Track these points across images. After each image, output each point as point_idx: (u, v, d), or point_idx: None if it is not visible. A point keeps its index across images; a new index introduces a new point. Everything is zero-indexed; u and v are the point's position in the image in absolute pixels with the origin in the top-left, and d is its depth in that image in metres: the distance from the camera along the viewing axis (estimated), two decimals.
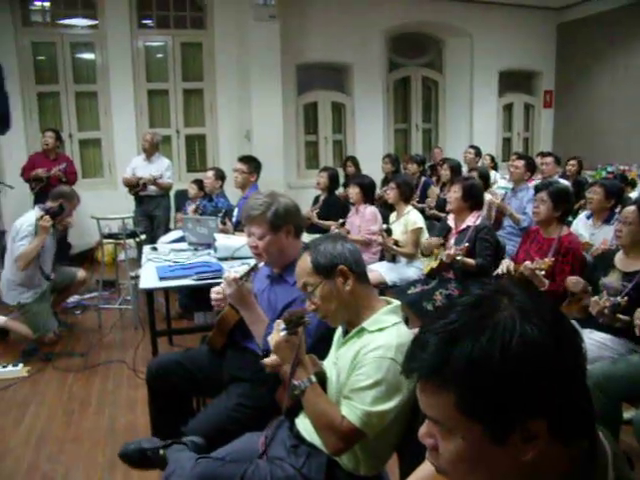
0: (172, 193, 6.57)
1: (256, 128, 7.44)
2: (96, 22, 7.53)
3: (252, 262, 2.49)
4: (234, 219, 4.72)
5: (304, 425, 1.87)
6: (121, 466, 2.83)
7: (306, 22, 8.02)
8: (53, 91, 7.54)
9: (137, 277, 5.41)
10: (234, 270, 2.36)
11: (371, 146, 8.62)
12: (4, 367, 4.01)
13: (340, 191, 6.44)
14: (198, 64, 7.96)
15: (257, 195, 2.48)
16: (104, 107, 7.62)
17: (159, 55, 7.93)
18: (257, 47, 7.35)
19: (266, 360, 1.92)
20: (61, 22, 7.55)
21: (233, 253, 3.71)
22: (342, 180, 6.90)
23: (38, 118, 7.47)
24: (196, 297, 4.37)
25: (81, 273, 4.83)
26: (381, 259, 4.71)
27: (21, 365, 4.05)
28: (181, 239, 4.71)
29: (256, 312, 2.30)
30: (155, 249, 4.31)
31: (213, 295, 2.45)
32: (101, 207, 4.95)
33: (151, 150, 6.28)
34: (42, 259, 4.38)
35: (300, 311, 1.80)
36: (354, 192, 4.87)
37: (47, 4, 7.55)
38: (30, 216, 4.33)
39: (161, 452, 2.14)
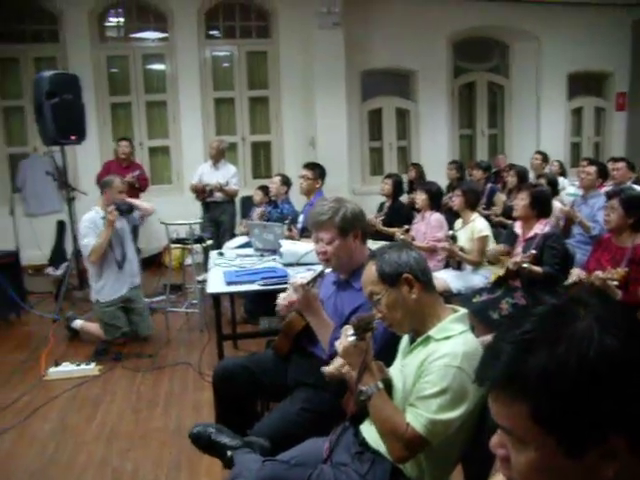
0: (238, 199, 6.69)
1: (321, 135, 7.51)
2: (166, 35, 7.81)
3: (318, 268, 2.51)
4: (299, 225, 4.76)
5: (369, 432, 1.87)
6: (186, 466, 2.93)
7: (370, 29, 8.04)
8: (125, 102, 7.88)
9: (204, 281, 5.54)
10: (300, 276, 2.39)
11: (436, 152, 8.54)
12: (77, 365, 4.19)
13: (404, 198, 6.40)
14: (263, 72, 8.10)
15: (323, 201, 2.50)
16: (173, 116, 7.88)
17: (225, 64, 8.11)
18: (321, 55, 7.42)
19: (327, 368, 1.93)
20: (134, 36, 7.88)
21: (299, 259, 3.74)
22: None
23: (111, 127, 7.83)
24: (261, 302, 4.43)
25: (149, 331, 4.90)
26: (446, 266, 4.66)
27: (93, 364, 4.22)
28: (246, 245, 4.78)
29: (322, 318, 2.32)
30: (222, 254, 4.40)
31: (279, 301, 2.49)
32: (169, 213, 5.11)
33: (217, 157, 6.40)
34: (113, 248, 4.56)
35: (368, 317, 1.80)
36: (421, 198, 4.82)
37: (121, 20, 7.90)
38: (86, 216, 4.58)
39: (228, 454, 2.19)
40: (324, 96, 7.48)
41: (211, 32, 7.98)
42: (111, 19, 7.89)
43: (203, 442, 2.26)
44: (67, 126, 5.57)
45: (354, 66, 7.84)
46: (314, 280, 2.35)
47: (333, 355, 1.98)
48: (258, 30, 8.06)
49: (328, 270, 2.44)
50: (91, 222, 4.49)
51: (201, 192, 6.29)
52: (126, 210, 4.57)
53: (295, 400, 2.36)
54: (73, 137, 5.69)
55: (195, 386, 3.90)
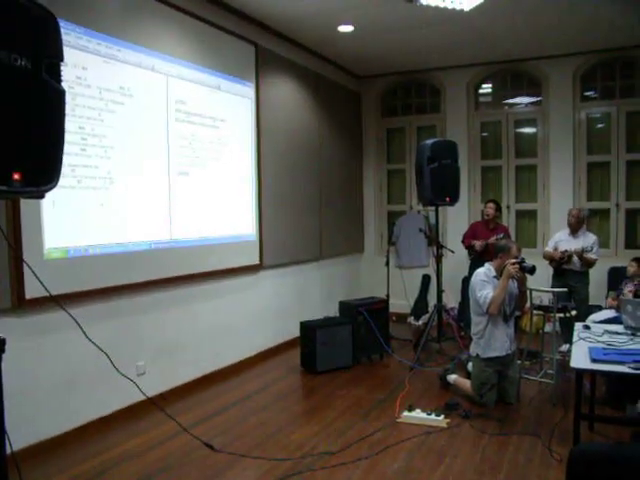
0: (606, 269, 6.26)
1: None
2: (539, 99, 7.86)
3: None
4: None
5: None
6: None
7: None
8: (495, 165, 8.16)
9: (563, 352, 5.32)
10: None
11: None
12: (428, 414, 4.41)
13: None
14: None
15: None
16: (542, 180, 7.83)
17: (600, 125, 7.72)
18: None
19: None
20: (506, 102, 8.15)
21: None
22: None
23: (480, 190, 8.20)
24: (629, 386, 4.05)
25: (514, 400, 4.83)
26: None
27: (442, 416, 4.39)
28: (613, 320, 4.46)
29: None
30: (588, 327, 4.17)
31: None
32: (531, 278, 5.02)
33: (576, 226, 6.21)
34: (503, 303, 4.66)
35: None
36: None
37: (494, 87, 8.25)
38: (480, 271, 4.76)
39: None
40: None
41: (586, 93, 7.70)
42: (484, 86, 8.30)
43: None
44: (443, 188, 6.06)
45: None
46: None
47: None
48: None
49: None
50: (485, 276, 4.69)
51: (558, 258, 6.11)
52: (529, 269, 4.54)
53: None
54: (447, 199, 6.15)
55: (541, 461, 3.70)
